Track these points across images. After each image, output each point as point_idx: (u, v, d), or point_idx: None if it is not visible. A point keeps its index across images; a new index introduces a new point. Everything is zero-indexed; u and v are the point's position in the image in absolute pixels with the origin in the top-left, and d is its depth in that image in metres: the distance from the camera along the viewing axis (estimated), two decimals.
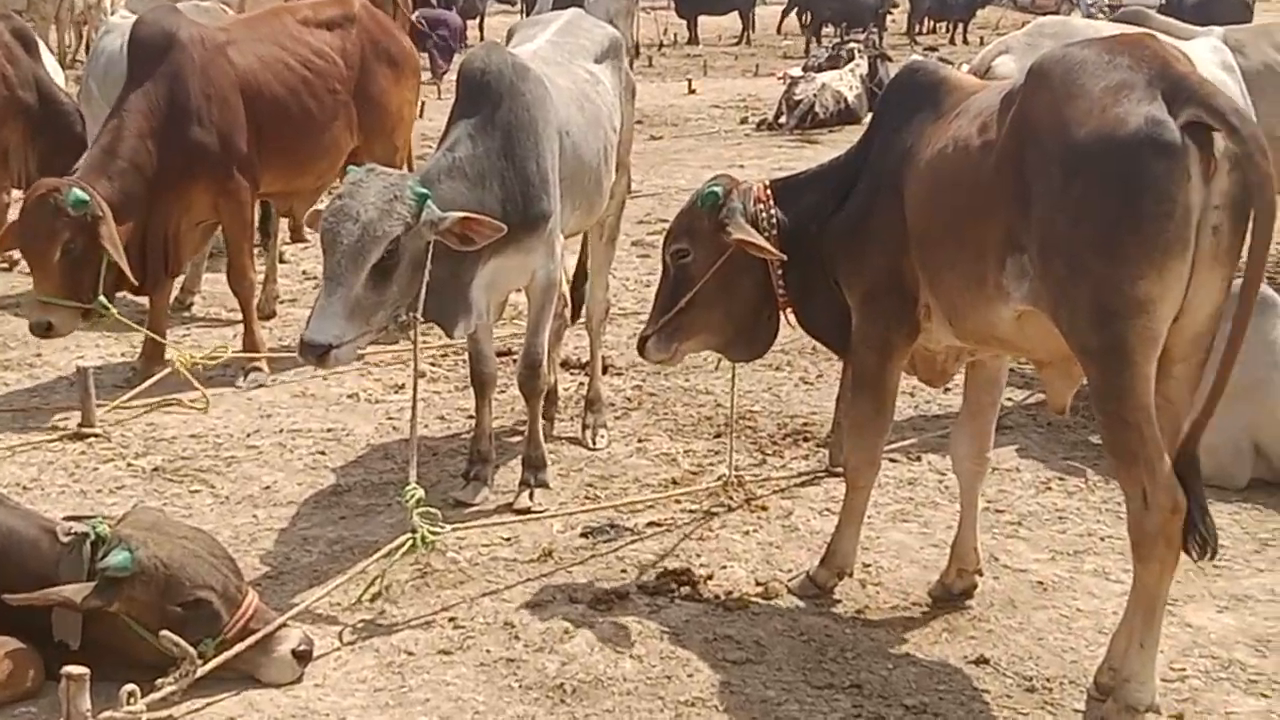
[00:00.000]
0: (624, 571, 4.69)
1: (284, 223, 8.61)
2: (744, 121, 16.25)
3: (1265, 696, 3.90)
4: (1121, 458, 3.53)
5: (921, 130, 4.09)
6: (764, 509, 5.20)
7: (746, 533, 5.00)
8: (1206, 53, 6.40)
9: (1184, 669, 4.03)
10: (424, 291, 4.53)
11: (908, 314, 4.13)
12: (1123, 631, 3.70)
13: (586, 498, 5.31)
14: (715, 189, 4.48)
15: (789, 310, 4.52)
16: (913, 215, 4.03)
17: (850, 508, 4.49)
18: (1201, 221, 3.40)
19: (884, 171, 4.17)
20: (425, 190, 4.50)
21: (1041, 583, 4.60)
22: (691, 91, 19.08)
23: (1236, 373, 5.07)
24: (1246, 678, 3.99)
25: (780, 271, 4.42)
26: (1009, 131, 3.68)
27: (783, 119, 15.65)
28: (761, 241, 4.35)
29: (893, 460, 5.63)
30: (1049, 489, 5.42)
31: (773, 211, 4.43)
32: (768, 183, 4.54)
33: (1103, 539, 4.93)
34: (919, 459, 5.72)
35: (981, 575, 4.51)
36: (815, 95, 15.57)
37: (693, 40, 28.50)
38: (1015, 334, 3.84)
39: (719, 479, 5.36)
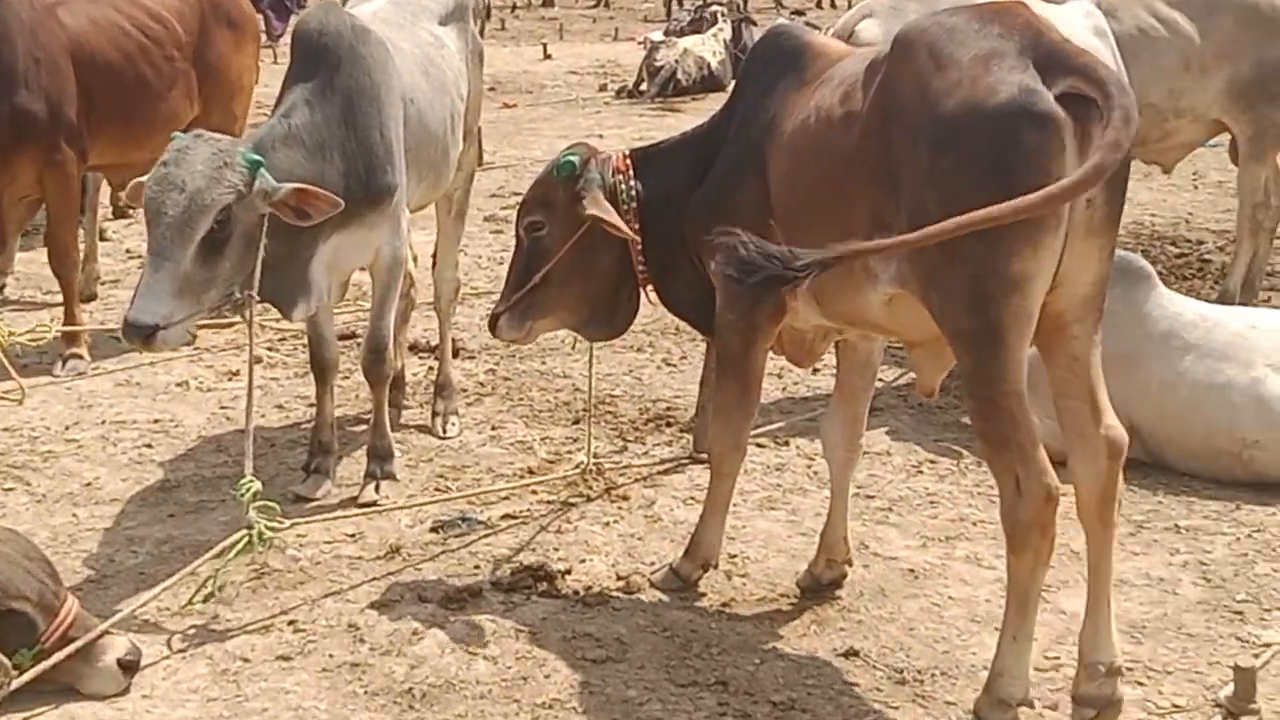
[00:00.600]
0: (477, 568, 4.68)
1: (105, 196, 8.41)
2: (603, 89, 16.27)
3: (1141, 684, 4.01)
4: (993, 444, 3.58)
5: (784, 99, 4.11)
6: (625, 499, 5.23)
7: (607, 524, 5.02)
8: (1079, 18, 6.52)
9: (1058, 657, 4.13)
10: (259, 268, 4.46)
11: (773, 293, 4.16)
12: (1006, 627, 3.73)
13: (437, 489, 5.29)
14: (571, 158, 4.47)
15: (650, 288, 4.54)
16: (776, 190, 4.06)
17: (715, 496, 4.53)
18: None
19: (746, 143, 4.19)
20: (258, 157, 4.43)
21: (912, 570, 4.69)
22: (547, 56, 19.04)
23: (1108, 346, 5.24)
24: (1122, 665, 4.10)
25: (640, 247, 4.42)
26: (873, 103, 3.71)
27: (643, 86, 15.70)
28: (616, 219, 4.36)
29: (759, 445, 5.69)
30: (920, 473, 5.52)
31: (632, 183, 4.43)
32: (628, 152, 4.54)
33: (975, 524, 5.04)
34: (786, 444, 5.78)
35: (851, 565, 4.58)
36: (677, 61, 15.64)
37: (548, 2, 28.43)
38: (886, 317, 3.89)
39: (577, 467, 5.38)
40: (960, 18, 3.63)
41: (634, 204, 4.42)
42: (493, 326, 4.67)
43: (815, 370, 6.65)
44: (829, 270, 3.49)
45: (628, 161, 4.48)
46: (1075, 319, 3.64)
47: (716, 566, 4.59)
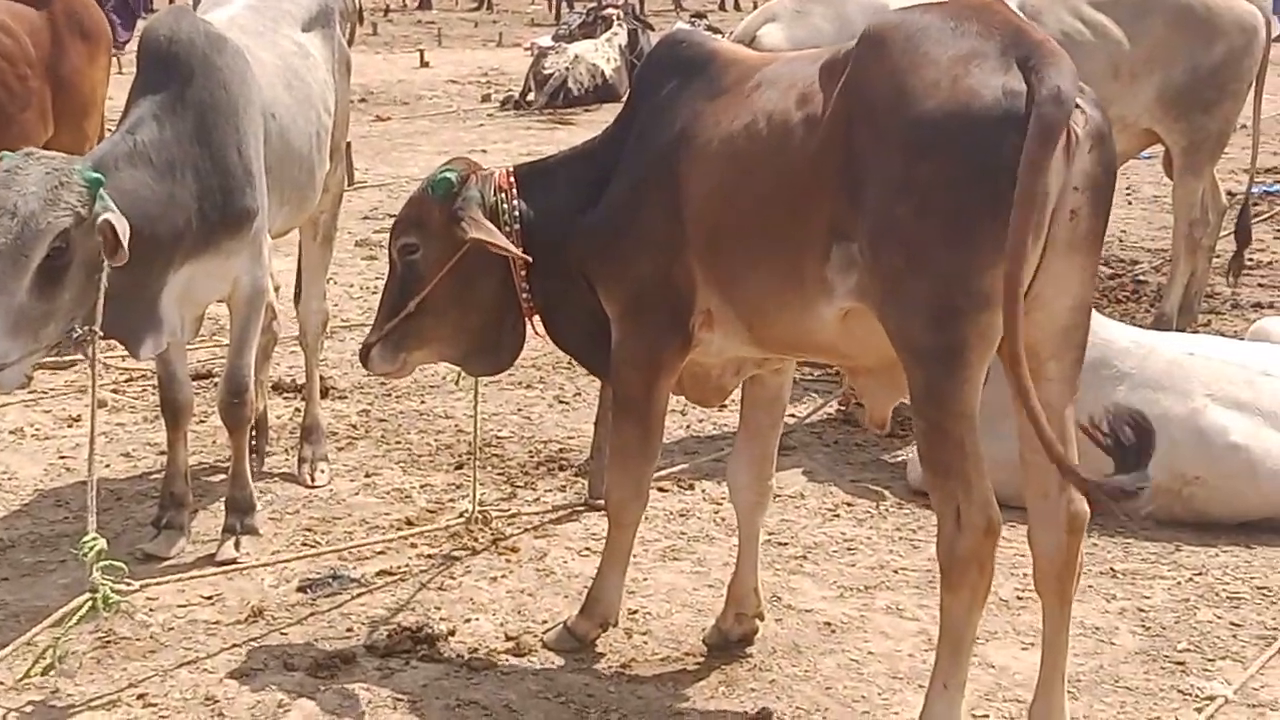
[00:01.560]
0: (350, 631, 4.64)
1: None
2: (486, 99, 16.30)
3: None
4: (937, 470, 3.62)
5: (698, 110, 4.11)
6: (514, 550, 5.22)
7: (494, 579, 5.01)
8: None
9: (986, 715, 4.18)
10: (102, 301, 4.40)
11: (680, 325, 4.17)
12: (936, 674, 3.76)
13: (304, 544, 5.25)
14: (449, 174, 4.46)
15: (535, 318, 4.54)
16: (696, 208, 4.05)
17: (614, 548, 4.53)
18: (1059, 205, 3.48)
19: (649, 160, 4.19)
20: (98, 176, 4.37)
21: (829, 624, 4.72)
22: (424, 64, 19.05)
23: None
24: None
25: (524, 273, 4.43)
26: (837, 106, 3.72)
27: (531, 96, 15.75)
28: (501, 239, 4.36)
29: (661, 490, 5.70)
30: (837, 516, 5.57)
31: (515, 203, 4.43)
32: (511, 169, 4.55)
33: (897, 571, 5.09)
34: (691, 487, 5.81)
35: (763, 619, 4.60)
36: (568, 69, 15.71)
37: (424, 5, 28.44)
38: (839, 337, 3.89)
39: (461, 517, 5.36)
40: (934, 15, 3.65)
41: (517, 225, 4.41)
42: (364, 358, 4.65)
43: (722, 406, 6.69)
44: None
45: (511, 179, 4.48)
46: (1051, 355, 3.64)
47: (616, 624, 4.59)
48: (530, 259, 4.38)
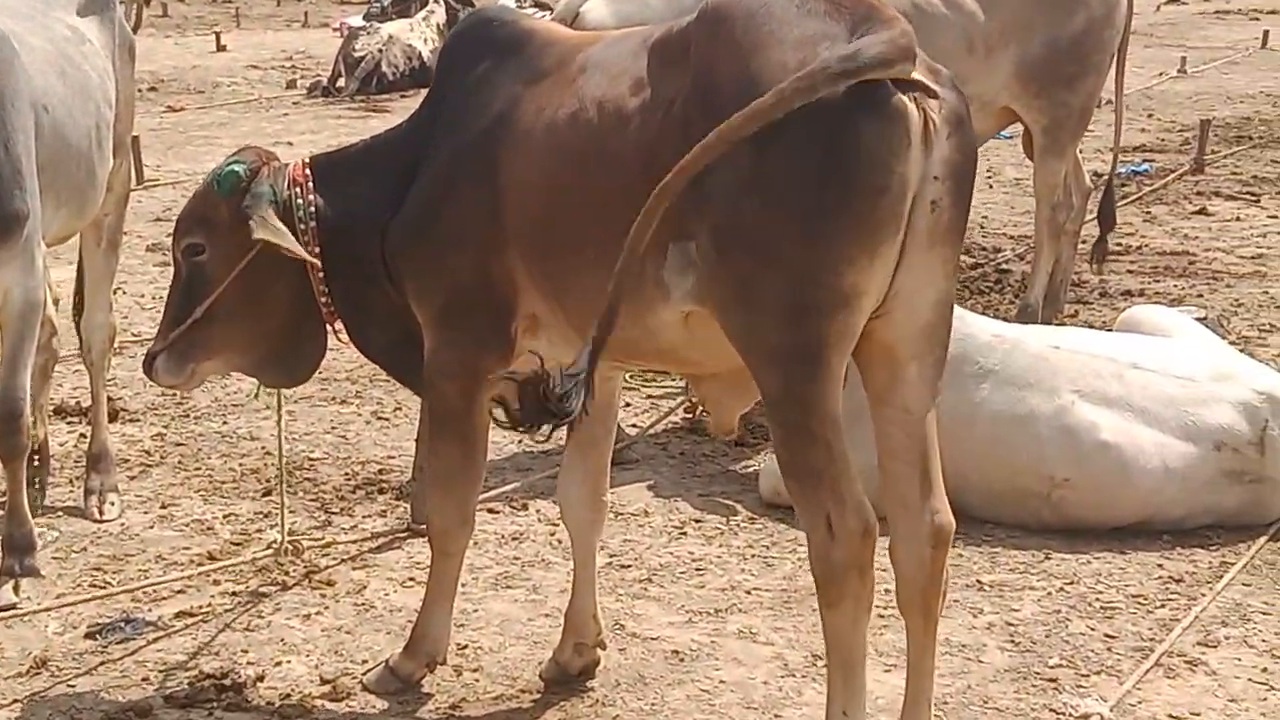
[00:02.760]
0: (146, 679, 4.57)
1: None
2: (291, 86, 16.14)
3: None
4: (802, 479, 3.62)
5: (515, 95, 4.10)
6: (329, 584, 5.17)
7: (307, 616, 4.96)
8: None
9: None
10: None
11: (501, 331, 4.16)
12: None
13: (93, 585, 5.16)
14: (236, 167, 4.41)
15: (338, 325, 4.51)
16: (517, 204, 4.03)
17: (439, 578, 4.51)
18: (919, 195, 3.51)
19: (461, 149, 4.17)
20: None
21: (677, 652, 4.73)
22: (221, 48, 18.82)
23: None
24: None
25: (322, 275, 4.38)
26: (674, 93, 3.72)
27: (341, 82, 15.63)
28: (291, 240, 4.30)
29: (491, 511, 5.69)
30: (684, 535, 5.59)
31: (311, 198, 4.38)
32: (308, 160, 4.50)
33: (749, 592, 5.12)
34: (524, 508, 5.81)
35: (604, 648, 4.60)
36: (381, 51, 15.62)
37: None
38: (683, 342, 3.89)
39: (269, 549, 5.30)
40: None
41: (312, 223, 4.36)
42: (148, 369, 4.56)
43: None
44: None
45: (307, 172, 4.43)
46: (912, 355, 3.67)
47: (444, 661, 4.57)
48: (323, 261, 4.35)
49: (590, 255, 3.88)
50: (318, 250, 4.36)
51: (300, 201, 4.37)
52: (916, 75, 3.52)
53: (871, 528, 3.61)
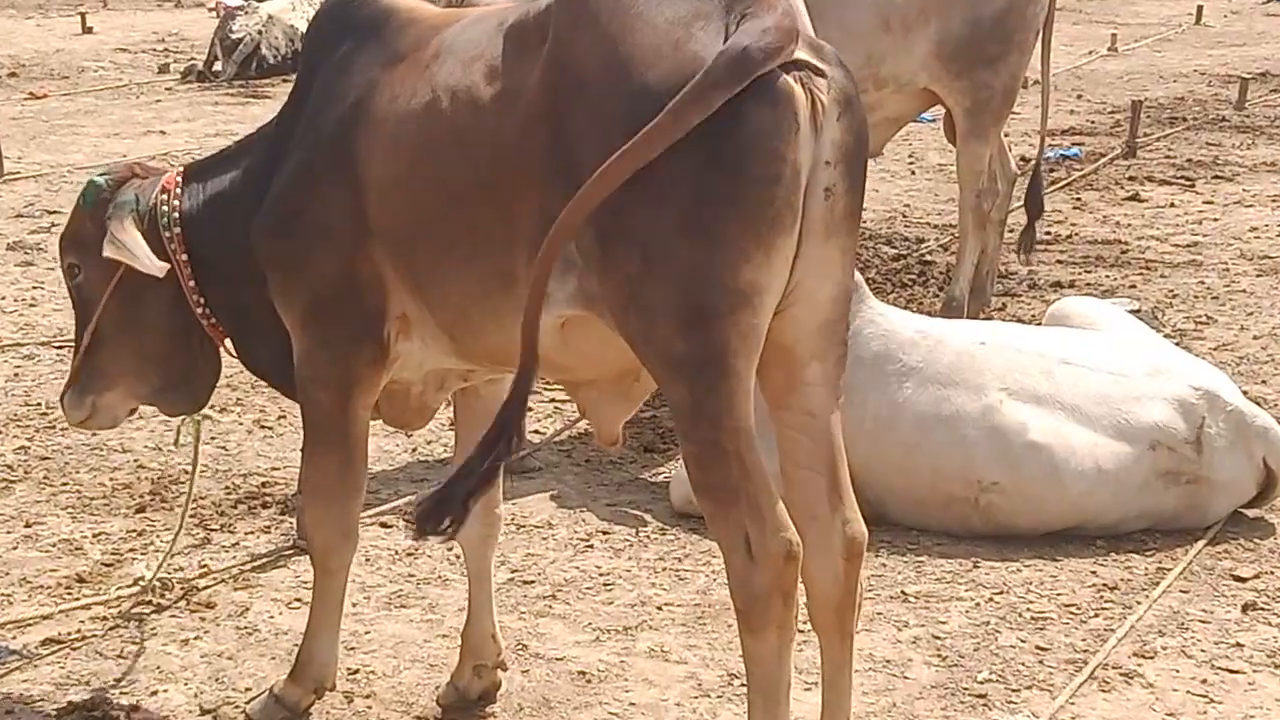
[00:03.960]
0: (10, 713, 4.52)
1: None
2: (164, 70, 16.00)
3: None
4: (717, 498, 3.58)
5: (373, 80, 4.08)
6: (210, 606, 5.15)
7: (185, 641, 4.94)
8: None
9: None
10: None
11: (372, 334, 4.14)
12: None
13: None
14: (99, 179, 4.46)
15: (225, 341, 4.51)
16: (378, 198, 4.02)
17: (323, 597, 4.49)
18: (811, 182, 3.50)
19: (320, 139, 4.15)
20: None
21: (584, 673, 4.74)
22: (87, 30, 18.60)
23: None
24: None
25: (195, 287, 4.39)
26: (535, 80, 3.68)
27: (218, 65, 15.51)
28: (138, 251, 4.28)
29: (384, 525, 5.67)
30: (590, 548, 5.59)
31: (175, 204, 4.40)
32: (183, 168, 4.52)
33: (660, 608, 5.14)
34: None
35: (505, 669, 4.61)
36: (260, 32, 15.51)
37: None
38: (557, 349, 3.85)
39: (138, 583, 5.22)
40: None
41: (177, 229, 4.38)
42: (61, 406, 4.66)
43: (453, 423, 6.67)
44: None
45: (178, 179, 4.45)
46: (813, 355, 3.66)
47: (333, 688, 4.55)
48: (197, 271, 4.37)
49: (454, 257, 3.88)
50: (184, 258, 4.36)
51: (165, 209, 4.39)
52: (800, 54, 3.49)
53: (795, 550, 3.58)
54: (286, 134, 4.29)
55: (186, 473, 6.11)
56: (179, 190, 4.42)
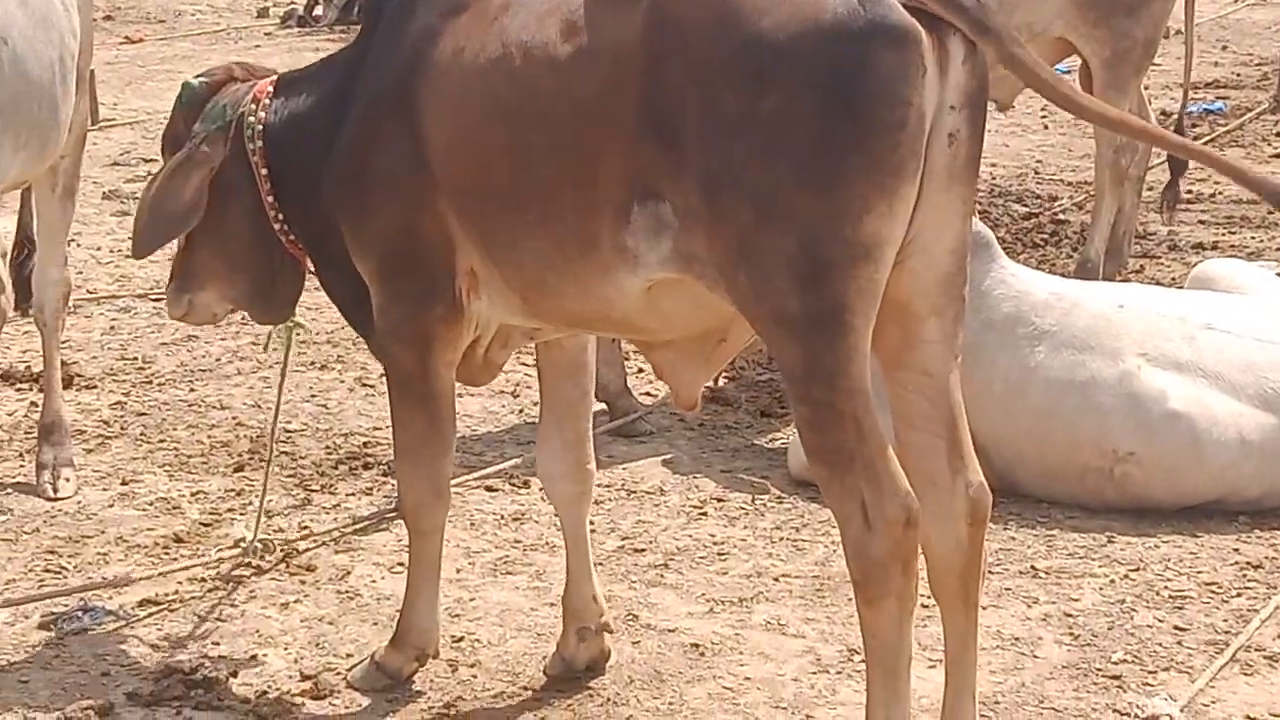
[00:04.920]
0: (106, 675, 4.58)
1: None
2: (263, 15, 16.09)
3: None
4: (831, 463, 3.60)
5: (433, 28, 4.08)
6: (310, 569, 5.19)
7: (286, 605, 4.98)
8: None
9: None
10: None
11: (441, 289, 4.17)
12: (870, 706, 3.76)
13: (46, 571, 5.18)
14: (194, 82, 4.57)
15: (307, 261, 4.60)
16: (442, 155, 4.04)
17: (419, 561, 4.52)
18: (935, 127, 3.53)
19: (382, 88, 4.18)
20: None
21: (697, 645, 4.75)
22: None
23: None
24: None
25: (274, 203, 4.46)
26: (626, 33, 3.69)
27: (319, 10, 15.58)
28: (161, 203, 4.41)
29: (490, 490, 5.70)
30: (704, 515, 5.60)
31: (261, 115, 4.46)
32: (277, 77, 4.58)
33: (777, 579, 5.13)
34: (526, 485, 5.81)
35: (611, 632, 4.62)
36: None
37: None
38: (643, 312, 3.90)
39: (238, 545, 5.26)
40: None
41: (259, 142, 4.44)
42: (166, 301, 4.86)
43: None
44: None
45: (270, 88, 4.50)
46: (931, 311, 3.67)
47: (436, 655, 4.58)
48: (275, 185, 4.44)
49: (527, 216, 3.91)
50: (265, 173, 4.44)
51: (251, 120, 4.45)
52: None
53: (915, 516, 3.58)
54: (355, 71, 4.32)
55: (289, 431, 6.21)
56: (267, 101, 4.47)
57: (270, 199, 4.45)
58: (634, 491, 5.76)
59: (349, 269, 4.36)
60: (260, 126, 4.44)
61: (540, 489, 5.73)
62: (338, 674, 4.57)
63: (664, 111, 3.62)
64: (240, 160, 4.43)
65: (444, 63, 4.04)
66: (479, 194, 4.01)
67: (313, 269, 4.58)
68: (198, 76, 4.61)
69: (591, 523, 5.38)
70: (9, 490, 5.74)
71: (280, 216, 4.46)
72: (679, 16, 3.61)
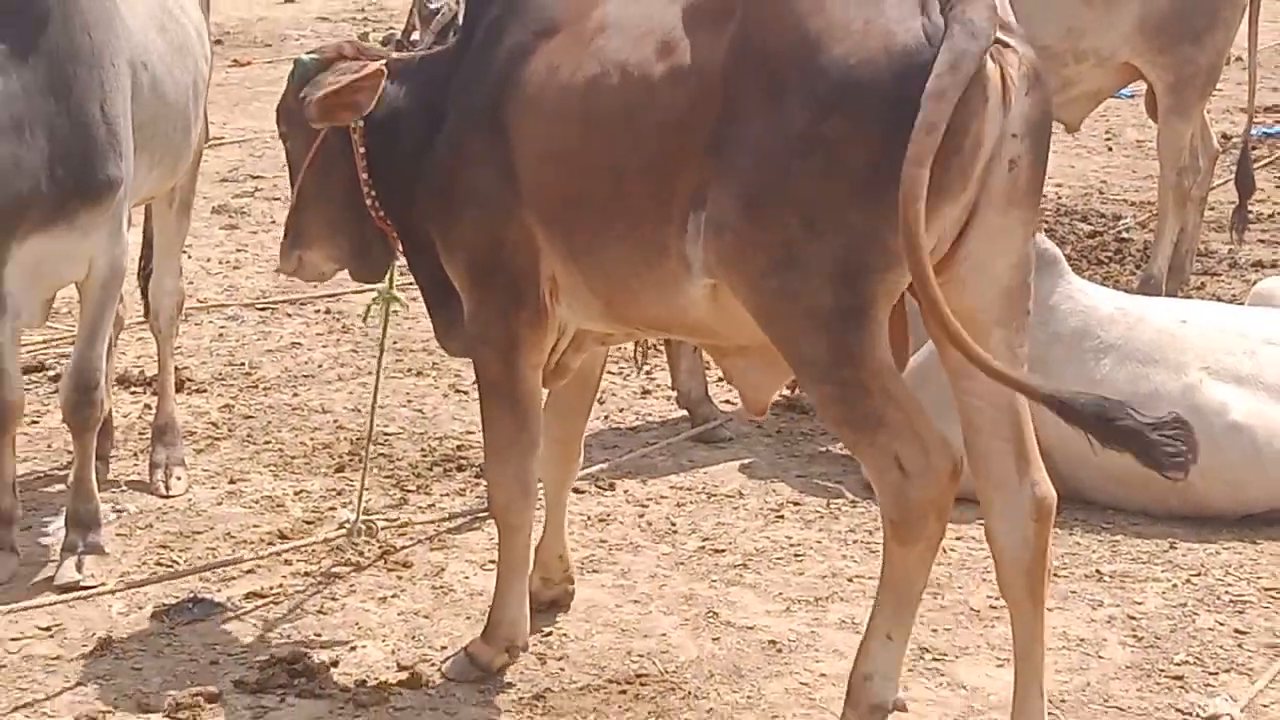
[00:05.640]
0: (215, 663, 4.62)
1: None
2: (364, 39, 16.16)
3: None
4: (859, 427, 3.73)
5: (526, 47, 4.14)
6: (406, 566, 5.21)
7: (383, 599, 5.00)
8: None
9: None
10: None
11: (526, 295, 4.24)
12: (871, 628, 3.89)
13: (159, 564, 5.21)
14: (306, 58, 4.67)
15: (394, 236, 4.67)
16: (532, 168, 4.11)
17: (509, 557, 4.55)
18: (996, 154, 3.60)
19: (473, 102, 4.26)
20: None
21: (774, 642, 4.74)
22: (290, 0, 18.88)
23: None
24: None
25: (368, 180, 4.54)
26: (714, 56, 3.76)
27: (415, 35, 15.63)
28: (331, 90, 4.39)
29: (577, 491, 5.69)
30: (781, 518, 5.58)
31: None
32: (387, 62, 4.61)
33: (851, 579, 5.11)
34: (611, 488, 5.82)
35: (573, 583, 4.88)
36: (457, 2, 15.60)
37: None
38: (714, 316, 3.97)
39: (343, 528, 5.33)
40: None
41: (360, 121, 4.49)
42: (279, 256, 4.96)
43: (645, 392, 6.70)
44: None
45: (383, 69, 4.53)
46: (995, 321, 3.74)
47: (526, 648, 4.59)
48: (371, 163, 4.52)
49: (614, 226, 3.98)
50: (363, 150, 4.52)
51: None
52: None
53: (959, 465, 3.71)
54: (449, 81, 4.37)
55: (387, 434, 6.23)
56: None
57: (365, 175, 4.54)
58: (714, 495, 5.75)
59: (432, 255, 4.47)
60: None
61: (625, 492, 5.78)
62: (432, 665, 4.59)
63: (728, 128, 3.72)
64: (343, 133, 4.53)
65: (537, 81, 4.10)
66: (568, 205, 4.07)
67: (401, 247, 4.68)
68: (309, 53, 4.71)
69: (674, 524, 5.49)
70: (124, 488, 5.78)
71: (372, 194, 4.56)
72: (763, 39, 3.69)
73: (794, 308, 3.71)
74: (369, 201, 4.56)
